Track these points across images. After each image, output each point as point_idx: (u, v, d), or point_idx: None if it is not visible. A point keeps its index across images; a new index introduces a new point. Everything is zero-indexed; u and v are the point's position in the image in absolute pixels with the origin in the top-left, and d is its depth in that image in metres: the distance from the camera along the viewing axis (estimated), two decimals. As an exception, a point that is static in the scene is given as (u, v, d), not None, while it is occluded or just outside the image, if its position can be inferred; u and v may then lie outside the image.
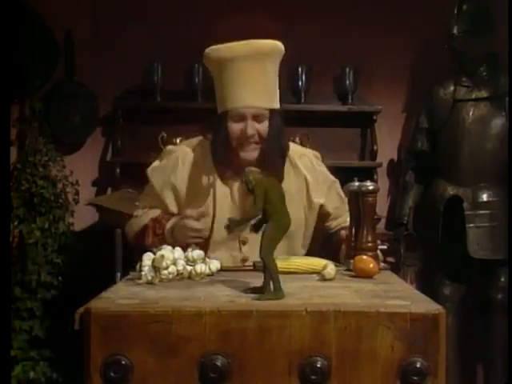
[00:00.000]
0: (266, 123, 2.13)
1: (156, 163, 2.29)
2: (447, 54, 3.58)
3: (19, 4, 3.58)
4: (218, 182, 2.19)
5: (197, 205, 2.14)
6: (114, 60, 3.86)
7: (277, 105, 2.17)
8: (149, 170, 2.28)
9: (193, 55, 3.67)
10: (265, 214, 1.56)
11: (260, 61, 2.09)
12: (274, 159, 2.15)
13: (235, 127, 2.12)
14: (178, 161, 2.22)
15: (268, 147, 2.14)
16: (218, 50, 2.11)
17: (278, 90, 2.18)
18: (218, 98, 2.17)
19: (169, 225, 2.13)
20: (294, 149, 2.30)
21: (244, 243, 2.17)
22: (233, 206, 2.17)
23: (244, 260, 2.16)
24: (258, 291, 1.57)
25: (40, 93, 3.74)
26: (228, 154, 2.15)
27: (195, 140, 2.30)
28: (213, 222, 2.15)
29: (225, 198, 2.18)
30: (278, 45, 2.14)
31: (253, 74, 2.08)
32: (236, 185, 2.19)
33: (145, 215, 2.23)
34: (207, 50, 2.13)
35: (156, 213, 2.21)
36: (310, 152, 2.38)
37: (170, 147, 2.37)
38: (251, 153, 2.14)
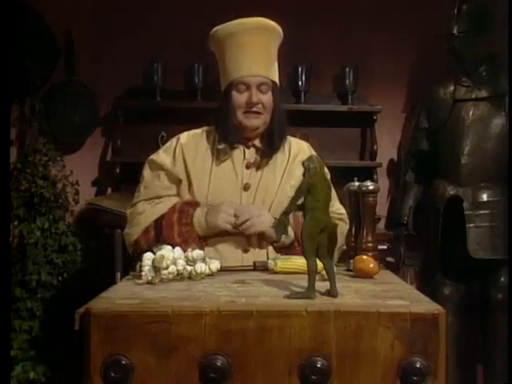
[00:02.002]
0: (269, 94, 2.21)
1: (155, 155, 2.27)
2: (447, 54, 3.58)
3: (19, 4, 3.58)
4: (221, 159, 2.22)
5: (202, 185, 2.17)
6: (113, 60, 3.86)
7: (277, 79, 2.26)
8: (149, 160, 2.26)
9: (193, 55, 3.68)
10: (303, 207, 1.54)
11: (264, 35, 2.19)
12: (275, 130, 2.24)
13: (240, 97, 2.19)
14: (180, 149, 2.23)
15: (271, 118, 2.23)
16: (224, 26, 2.21)
17: (277, 68, 2.27)
18: (223, 73, 2.25)
19: (200, 209, 2.12)
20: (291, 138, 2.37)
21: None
22: (235, 177, 2.20)
23: (246, 251, 2.14)
24: (257, 291, 1.57)
25: (40, 93, 3.73)
26: (234, 125, 2.21)
27: (199, 129, 2.33)
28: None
29: (227, 170, 2.21)
30: (279, 27, 2.24)
31: (257, 46, 2.18)
32: (240, 158, 2.23)
33: (156, 207, 2.17)
34: (213, 30, 2.23)
35: (170, 202, 2.17)
36: None
37: (172, 139, 2.34)
38: (254, 120, 2.20)
